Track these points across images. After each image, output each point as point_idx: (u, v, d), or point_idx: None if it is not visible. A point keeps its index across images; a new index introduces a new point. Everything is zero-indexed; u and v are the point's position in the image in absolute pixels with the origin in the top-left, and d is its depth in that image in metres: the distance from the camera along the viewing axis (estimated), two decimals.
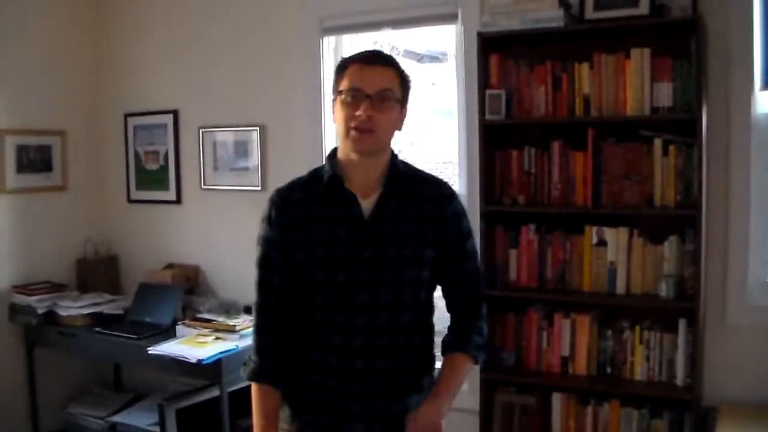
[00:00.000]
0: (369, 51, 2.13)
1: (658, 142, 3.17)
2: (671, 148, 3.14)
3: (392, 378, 2.14)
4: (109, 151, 4.90)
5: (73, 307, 4.22)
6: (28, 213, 4.49)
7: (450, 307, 2.29)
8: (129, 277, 4.80)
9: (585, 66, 3.27)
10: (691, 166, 3.11)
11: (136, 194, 4.80)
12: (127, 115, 4.79)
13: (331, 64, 4.12)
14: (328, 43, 4.15)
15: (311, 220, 2.09)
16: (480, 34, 3.37)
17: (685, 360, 3.16)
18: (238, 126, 4.30)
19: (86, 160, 4.82)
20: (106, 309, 4.32)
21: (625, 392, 3.28)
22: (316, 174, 2.17)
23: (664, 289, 3.18)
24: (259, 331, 2.18)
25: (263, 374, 2.15)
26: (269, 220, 2.13)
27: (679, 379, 3.18)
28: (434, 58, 9.36)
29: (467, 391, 3.67)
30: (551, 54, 3.36)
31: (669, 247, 3.20)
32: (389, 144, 2.15)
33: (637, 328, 3.26)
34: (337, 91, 2.06)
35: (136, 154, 4.78)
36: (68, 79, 4.71)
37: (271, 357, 2.16)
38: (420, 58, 10.00)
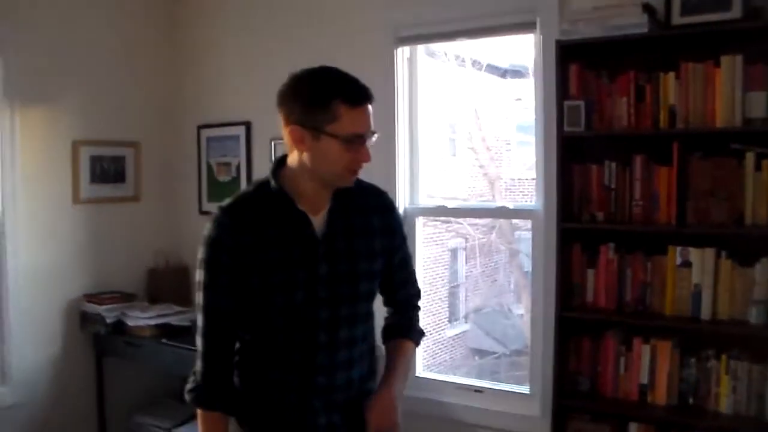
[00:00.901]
0: (356, 89, 2.00)
1: (750, 156, 2.97)
2: (765, 162, 2.94)
3: (350, 388, 2.16)
4: (181, 162, 4.90)
5: (141, 317, 4.20)
6: (101, 223, 4.50)
7: (389, 304, 2.35)
8: None
9: (671, 75, 3.09)
10: None
11: (207, 206, 4.77)
12: (200, 127, 4.78)
13: (405, 74, 4.02)
14: (403, 53, 4.05)
15: (264, 242, 2.02)
16: (558, 42, 3.23)
17: None
18: None
19: (159, 171, 4.82)
20: (173, 320, 4.28)
21: (709, 426, 3.07)
22: (261, 190, 2.08)
23: (755, 316, 2.98)
24: (206, 355, 2.10)
25: (211, 399, 2.11)
26: (216, 243, 2.01)
27: None
28: (517, 73, 9.35)
29: (538, 416, 3.52)
30: (634, 63, 3.19)
31: (760, 270, 2.99)
32: None
33: (723, 356, 3.05)
34: (328, 133, 1.95)
35: (209, 166, 4.76)
36: (143, 91, 4.73)
37: (219, 382, 2.11)
38: (503, 73, 10.00)
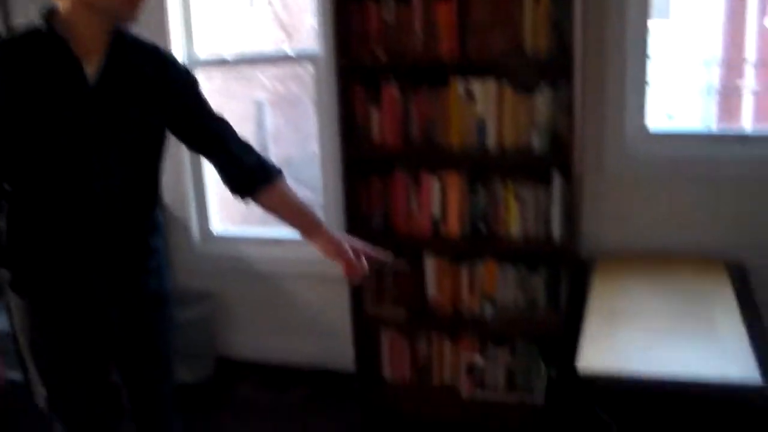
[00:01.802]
0: None
1: None
2: None
3: (128, 241, 2.09)
4: None
5: None
6: None
7: (214, 156, 2.18)
8: None
9: None
10: (564, 11, 2.91)
11: None
12: None
13: None
14: None
15: (31, 84, 1.88)
16: None
17: (560, 214, 3.07)
18: None
19: None
20: None
21: (500, 250, 3.20)
22: (29, 34, 1.92)
23: (537, 142, 3.05)
24: None
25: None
26: None
27: (556, 233, 3.10)
28: None
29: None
30: None
31: (541, 98, 3.04)
32: None
33: (510, 183, 3.13)
34: None
35: None
36: None
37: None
38: None
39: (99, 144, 1.96)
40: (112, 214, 2.02)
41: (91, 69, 1.93)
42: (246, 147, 2.19)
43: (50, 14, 1.92)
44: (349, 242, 2.26)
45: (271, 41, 4.72)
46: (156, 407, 2.33)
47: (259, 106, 5.08)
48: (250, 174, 2.16)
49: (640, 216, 3.24)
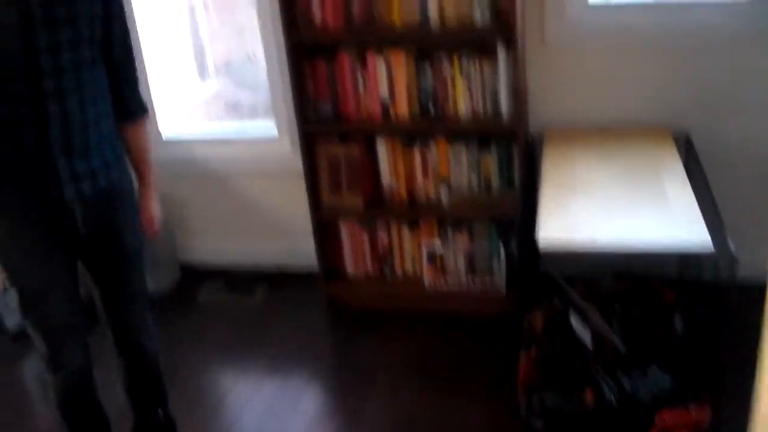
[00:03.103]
0: None
1: None
2: None
3: (86, 133, 2.07)
4: None
5: None
6: None
7: (111, 74, 2.19)
8: None
9: None
10: None
11: None
12: None
13: None
14: None
15: None
16: None
17: (507, 90, 3.04)
18: None
19: None
20: None
21: (451, 129, 3.17)
22: None
23: (480, 16, 3.00)
24: None
25: None
26: None
27: (504, 109, 3.09)
28: None
29: (289, 150, 3.50)
30: None
31: None
32: None
33: (455, 59, 3.08)
34: None
35: None
36: None
37: None
38: None
39: (48, 42, 1.94)
40: (65, 113, 2.01)
41: None
42: (131, 79, 2.27)
43: None
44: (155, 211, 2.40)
45: None
46: (129, 304, 2.34)
47: (191, 11, 4.90)
48: (124, 106, 2.25)
49: (586, 89, 3.23)
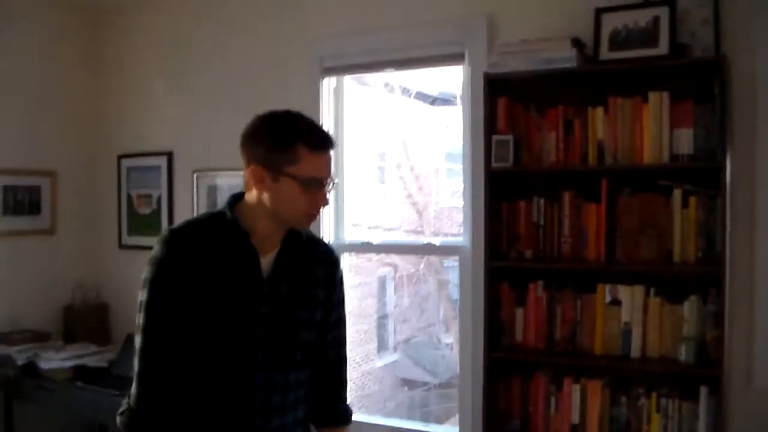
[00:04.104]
0: (319, 134, 2.03)
1: (677, 193, 2.96)
2: (692, 199, 2.93)
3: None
4: (100, 193, 4.74)
5: (54, 359, 4.01)
6: (14, 256, 4.31)
7: (318, 371, 2.23)
8: (119, 327, 4.57)
9: (599, 110, 3.07)
10: (713, 219, 2.89)
11: (127, 239, 4.61)
12: (120, 157, 4.63)
13: (331, 104, 3.94)
14: (329, 83, 3.96)
15: (210, 271, 2.00)
16: (487, 75, 3.17)
17: (706, 430, 2.89)
18: (235, 169, 4.08)
19: (76, 202, 4.65)
20: (90, 362, 4.10)
21: None
22: (215, 219, 2.08)
23: (684, 353, 2.94)
24: (142, 378, 2.02)
25: (143, 425, 2.01)
26: (163, 263, 1.99)
27: None
28: (446, 101, 9.37)
29: None
30: (563, 98, 3.16)
31: (689, 308, 2.97)
32: None
33: (653, 395, 3.01)
34: (288, 174, 1.97)
35: (129, 197, 4.60)
36: (60, 118, 4.57)
37: (153, 407, 2.02)
38: (432, 100, 10.01)
39: (266, 338, 2.02)
40: (267, 409, 2.05)
41: (265, 264, 2.04)
42: (341, 381, 2.30)
43: (235, 201, 2.07)
44: None
45: (404, 220, 4.81)
46: None
47: (381, 281, 5.11)
48: (326, 412, 2.27)
49: None
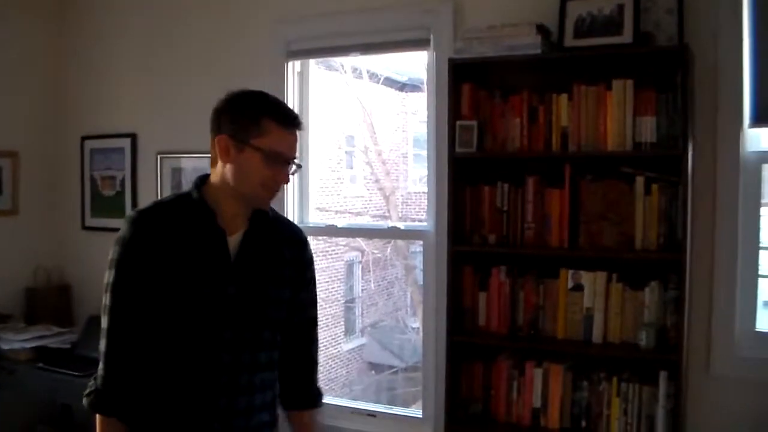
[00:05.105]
0: (287, 112, 2.06)
1: (640, 180, 2.98)
2: (654, 186, 2.96)
3: (251, 415, 2.12)
4: (63, 174, 4.68)
5: (15, 340, 3.97)
6: None
7: (288, 352, 2.25)
8: (82, 308, 4.54)
9: (563, 97, 3.08)
10: (675, 206, 2.92)
11: (91, 221, 4.57)
12: (84, 138, 4.57)
13: (296, 88, 3.92)
14: (293, 67, 3.94)
15: (177, 251, 2.01)
16: (451, 61, 3.17)
17: (665, 415, 2.94)
18: (199, 152, 4.07)
19: (39, 183, 4.59)
20: (52, 343, 4.07)
21: None
22: (182, 200, 2.10)
23: (644, 339, 2.97)
24: (108, 358, 2.04)
25: (109, 405, 2.04)
26: (129, 243, 2.00)
27: None
28: (415, 87, 9.40)
29: None
30: (527, 84, 3.17)
31: (650, 294, 3.00)
32: None
33: (615, 379, 3.04)
34: (252, 146, 1.99)
35: (92, 179, 4.55)
36: (22, 98, 4.50)
37: (120, 387, 2.03)
38: (401, 86, 10.02)
39: (233, 317, 2.04)
40: (233, 389, 2.06)
41: (232, 243, 2.06)
42: (312, 363, 2.33)
43: (202, 182, 2.09)
44: None
45: (371, 205, 4.83)
46: None
47: (349, 266, 5.12)
48: (296, 394, 2.30)
49: (749, 421, 3.06)
